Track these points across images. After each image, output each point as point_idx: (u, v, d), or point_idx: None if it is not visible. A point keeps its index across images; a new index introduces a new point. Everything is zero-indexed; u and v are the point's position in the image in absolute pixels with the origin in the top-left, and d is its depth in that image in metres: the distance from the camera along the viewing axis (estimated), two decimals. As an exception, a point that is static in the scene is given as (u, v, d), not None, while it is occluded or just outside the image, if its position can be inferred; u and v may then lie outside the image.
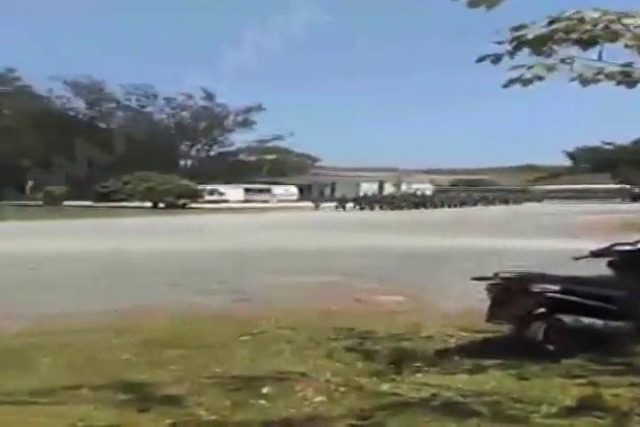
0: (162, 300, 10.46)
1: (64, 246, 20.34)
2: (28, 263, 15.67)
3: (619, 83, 5.57)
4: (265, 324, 8.27)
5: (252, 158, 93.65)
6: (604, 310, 6.45)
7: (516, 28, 5.05)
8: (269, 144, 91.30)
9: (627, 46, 5.02)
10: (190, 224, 36.60)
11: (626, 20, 5.01)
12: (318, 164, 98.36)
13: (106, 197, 62.74)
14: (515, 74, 5.38)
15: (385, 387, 5.64)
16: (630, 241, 7.34)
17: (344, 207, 62.38)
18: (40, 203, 61.31)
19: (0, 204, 55.00)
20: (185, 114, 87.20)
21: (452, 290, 10.79)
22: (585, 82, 5.64)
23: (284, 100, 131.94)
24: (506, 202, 76.87)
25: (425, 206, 64.57)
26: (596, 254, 7.35)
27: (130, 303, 10.00)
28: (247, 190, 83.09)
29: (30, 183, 74.82)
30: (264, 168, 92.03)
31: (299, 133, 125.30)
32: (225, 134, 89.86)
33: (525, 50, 5.36)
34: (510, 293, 6.52)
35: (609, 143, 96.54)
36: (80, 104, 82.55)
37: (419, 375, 5.97)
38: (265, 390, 5.57)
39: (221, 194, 77.28)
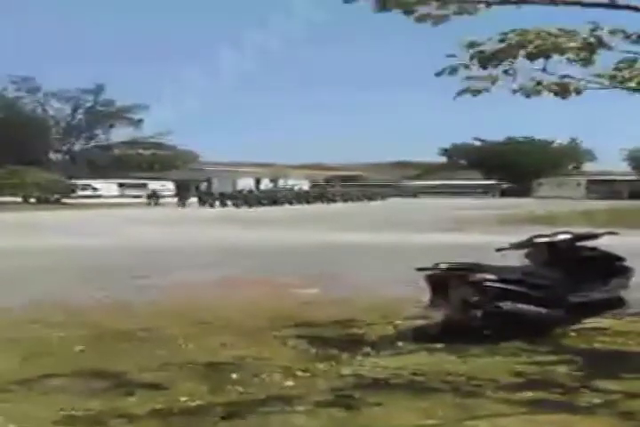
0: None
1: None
2: None
3: (555, 94, 6.19)
4: (204, 316, 8.53)
5: (131, 153, 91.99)
6: (535, 298, 7.08)
7: (471, 45, 5.54)
8: (150, 140, 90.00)
9: (569, 60, 5.63)
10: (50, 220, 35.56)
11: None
12: (200, 160, 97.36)
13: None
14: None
15: (346, 370, 6.04)
16: (548, 233, 8.05)
17: (183, 204, 58.02)
18: None
19: None
20: (66, 108, 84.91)
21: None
22: (527, 93, 6.26)
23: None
24: (369, 198, 75.42)
25: (281, 203, 62.12)
26: (516, 246, 8.01)
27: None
28: (121, 185, 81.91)
29: None
30: (141, 164, 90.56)
31: (183, 130, 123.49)
32: (106, 130, 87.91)
33: (474, 62, 5.90)
34: (450, 282, 7.06)
35: (482, 140, 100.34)
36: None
37: (372, 359, 6.40)
38: (235, 376, 5.87)
39: (95, 189, 76.00)
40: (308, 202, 66.62)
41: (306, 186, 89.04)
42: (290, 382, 5.73)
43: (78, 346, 7.02)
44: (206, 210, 52.36)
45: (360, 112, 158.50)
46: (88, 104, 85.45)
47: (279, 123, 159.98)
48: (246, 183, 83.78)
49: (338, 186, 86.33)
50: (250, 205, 56.82)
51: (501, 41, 5.53)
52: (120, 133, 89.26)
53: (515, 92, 6.13)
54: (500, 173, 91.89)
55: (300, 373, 5.98)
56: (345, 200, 70.70)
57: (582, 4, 4.25)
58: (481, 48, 5.62)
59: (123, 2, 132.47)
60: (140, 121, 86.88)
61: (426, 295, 7.44)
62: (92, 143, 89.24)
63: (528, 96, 6.08)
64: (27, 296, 9.95)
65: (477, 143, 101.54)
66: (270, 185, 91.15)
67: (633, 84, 6.42)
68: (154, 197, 62.72)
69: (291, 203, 63.68)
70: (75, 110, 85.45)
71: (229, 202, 58.55)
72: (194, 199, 60.65)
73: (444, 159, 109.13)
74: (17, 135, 73.82)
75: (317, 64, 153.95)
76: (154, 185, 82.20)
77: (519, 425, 4.65)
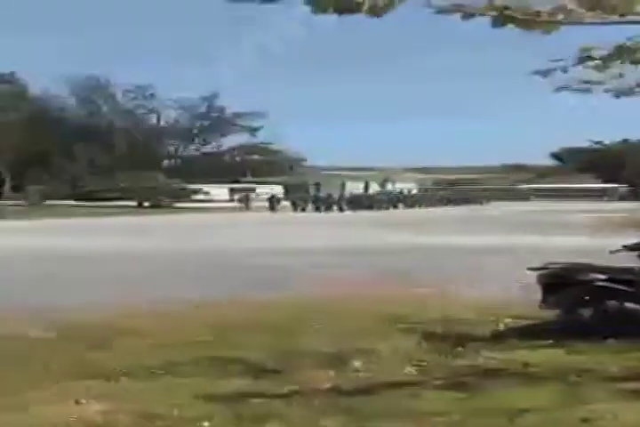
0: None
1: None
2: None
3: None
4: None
5: (238, 159, 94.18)
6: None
7: (584, 49, 5.89)
8: (258, 145, 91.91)
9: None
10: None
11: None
12: (305, 164, 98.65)
13: (90, 195, 63.09)
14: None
15: (460, 362, 6.48)
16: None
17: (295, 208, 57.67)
18: (21, 202, 60.34)
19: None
20: (181, 115, 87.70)
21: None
22: (621, 94, 6.60)
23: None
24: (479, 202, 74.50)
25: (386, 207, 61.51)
26: (629, 248, 8.22)
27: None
28: (232, 190, 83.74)
29: (9, 181, 74.26)
30: (249, 168, 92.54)
31: (289, 133, 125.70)
32: (219, 137, 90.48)
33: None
34: (561, 281, 7.38)
35: (598, 142, 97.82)
36: (74, 103, 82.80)
37: (484, 353, 6.80)
38: (357, 364, 6.39)
39: (206, 193, 77.99)
40: (415, 206, 66.49)
41: (415, 190, 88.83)
42: (409, 369, 6.22)
43: (205, 337, 7.70)
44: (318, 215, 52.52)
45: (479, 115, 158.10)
46: (201, 111, 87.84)
47: (390, 126, 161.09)
48: (354, 187, 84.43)
49: (449, 190, 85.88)
50: (354, 209, 57.23)
51: (620, 46, 5.85)
52: (234, 139, 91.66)
53: (607, 91, 6.50)
54: (616, 175, 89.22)
55: (415, 362, 6.45)
56: (453, 204, 70.31)
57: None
58: (591, 53, 5.96)
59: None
60: (257, 129, 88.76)
61: (537, 295, 7.78)
62: (205, 149, 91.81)
63: (618, 97, 6.48)
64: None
65: (593, 146, 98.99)
66: (378, 189, 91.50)
67: None
68: (273, 201, 59.72)
69: (397, 207, 63.51)
70: (191, 118, 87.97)
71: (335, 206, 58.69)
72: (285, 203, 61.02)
73: (558, 163, 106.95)
74: (134, 142, 76.84)
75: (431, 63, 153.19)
76: (263, 189, 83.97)
77: (622, 411, 4.97)
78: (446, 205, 69.22)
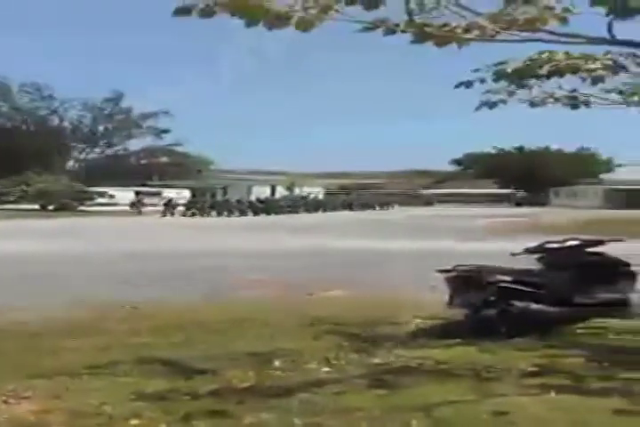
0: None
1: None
2: None
3: (564, 105, 6.99)
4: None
5: (144, 161, 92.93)
6: (545, 298, 7.78)
7: (499, 63, 6.28)
8: (165, 147, 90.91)
9: (582, 78, 6.37)
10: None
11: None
12: (214, 167, 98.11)
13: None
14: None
15: (376, 360, 6.76)
16: (558, 240, 8.74)
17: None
18: None
19: None
20: (84, 116, 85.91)
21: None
22: (535, 104, 7.05)
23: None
24: (386, 205, 75.71)
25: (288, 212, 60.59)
26: (530, 251, 8.70)
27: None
28: (137, 193, 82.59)
29: None
30: (156, 171, 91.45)
31: (196, 137, 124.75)
32: (123, 139, 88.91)
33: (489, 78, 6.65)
34: (468, 283, 7.76)
35: (500, 149, 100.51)
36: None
37: (398, 351, 7.10)
38: (277, 364, 6.59)
39: (112, 197, 76.71)
40: (319, 210, 66.91)
41: (321, 194, 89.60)
42: (325, 369, 6.45)
43: (143, 338, 7.78)
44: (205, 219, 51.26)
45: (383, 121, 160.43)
46: (106, 112, 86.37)
47: (299, 130, 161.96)
48: (261, 191, 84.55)
49: (354, 194, 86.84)
50: (256, 213, 57.15)
51: (531, 60, 6.23)
52: (138, 142, 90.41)
53: (522, 102, 6.97)
54: (514, 182, 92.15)
55: (333, 361, 6.69)
56: (360, 208, 71.06)
57: (586, 41, 4.92)
58: (504, 66, 6.35)
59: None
60: (166, 131, 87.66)
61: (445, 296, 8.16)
62: (109, 151, 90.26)
63: (533, 106, 6.96)
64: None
65: (492, 151, 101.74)
66: (285, 193, 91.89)
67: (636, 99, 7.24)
68: (169, 206, 58.25)
69: (298, 211, 63.24)
70: (93, 118, 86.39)
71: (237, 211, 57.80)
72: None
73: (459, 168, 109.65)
74: (33, 144, 74.91)
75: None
76: (169, 193, 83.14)
77: (531, 404, 5.33)
78: (351, 209, 70.00)
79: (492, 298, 7.71)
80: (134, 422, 4.97)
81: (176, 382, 6.01)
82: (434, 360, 6.64)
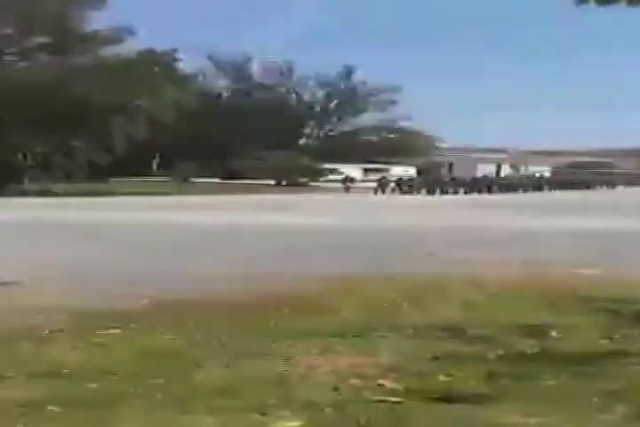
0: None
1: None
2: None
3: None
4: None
5: (373, 138, 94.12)
6: None
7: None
8: (394, 125, 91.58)
9: None
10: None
11: None
12: (441, 145, 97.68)
13: (232, 174, 65.88)
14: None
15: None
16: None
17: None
18: (168, 179, 63.69)
19: (132, 179, 58.29)
20: (319, 92, 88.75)
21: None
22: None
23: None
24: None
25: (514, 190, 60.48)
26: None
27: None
28: (366, 170, 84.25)
29: (157, 159, 78.26)
30: (384, 148, 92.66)
31: (423, 114, 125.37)
32: (355, 115, 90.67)
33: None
34: None
35: None
36: (223, 83, 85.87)
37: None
38: (554, 334, 7.07)
39: (341, 174, 79.06)
40: (544, 189, 65.26)
41: (547, 173, 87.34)
42: (604, 341, 6.84)
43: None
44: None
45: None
46: (340, 88, 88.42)
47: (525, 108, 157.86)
48: (486, 169, 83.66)
49: (582, 173, 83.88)
50: (479, 191, 56.76)
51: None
52: (369, 117, 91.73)
53: None
54: None
55: (608, 334, 7.06)
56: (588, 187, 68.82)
57: None
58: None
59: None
60: (394, 102, 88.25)
61: None
62: (340, 128, 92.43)
63: None
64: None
65: None
66: (510, 171, 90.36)
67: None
68: (382, 183, 58.10)
69: (526, 190, 62.51)
70: (328, 95, 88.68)
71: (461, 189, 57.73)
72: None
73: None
74: (270, 121, 78.60)
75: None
76: (396, 170, 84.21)
77: None
78: (587, 188, 67.94)
79: None
80: (443, 378, 5.52)
81: (461, 347, 6.61)
82: None
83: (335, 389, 5.23)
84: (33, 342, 6.45)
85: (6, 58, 50.53)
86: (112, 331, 6.94)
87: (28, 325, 7.17)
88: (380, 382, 5.41)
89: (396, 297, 9.09)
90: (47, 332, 6.86)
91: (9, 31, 48.81)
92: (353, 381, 5.41)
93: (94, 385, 5.18)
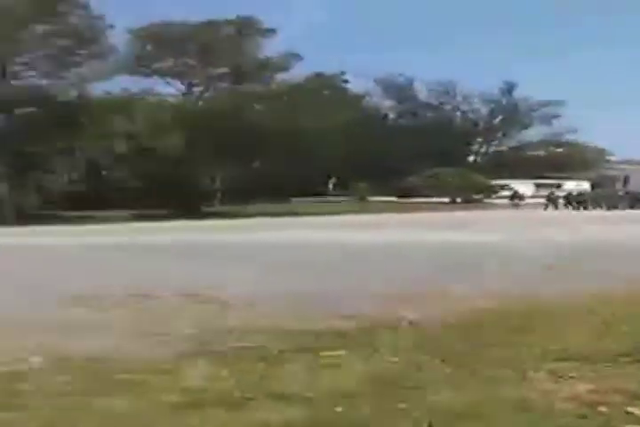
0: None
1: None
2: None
3: None
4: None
5: (540, 153, 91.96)
6: None
7: None
8: (559, 138, 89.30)
9: None
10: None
11: None
12: (611, 158, 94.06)
13: (407, 192, 66.16)
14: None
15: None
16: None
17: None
18: (344, 199, 65.25)
19: (311, 199, 59.98)
20: (482, 109, 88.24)
21: None
22: None
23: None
24: None
25: None
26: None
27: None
28: (538, 186, 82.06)
29: (333, 180, 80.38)
30: (552, 163, 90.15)
31: (591, 126, 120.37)
32: (520, 130, 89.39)
33: None
34: None
35: None
36: (388, 104, 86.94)
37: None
38: None
39: (511, 189, 77.47)
40: None
41: None
42: None
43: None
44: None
45: None
46: (502, 104, 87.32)
47: None
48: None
49: None
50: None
51: None
52: (535, 133, 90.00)
53: None
54: None
55: None
56: None
57: None
58: None
59: None
60: (557, 116, 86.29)
61: None
62: (506, 143, 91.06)
63: None
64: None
65: None
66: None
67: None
68: (552, 199, 59.15)
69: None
70: (491, 111, 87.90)
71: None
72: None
73: None
74: (437, 139, 78.50)
75: None
76: (569, 185, 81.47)
77: None
78: None
79: None
80: None
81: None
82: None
83: (583, 416, 5.05)
84: (263, 362, 6.61)
85: (195, 89, 53.29)
86: (337, 352, 7.02)
87: (256, 344, 7.38)
88: (629, 409, 5.18)
89: (608, 318, 8.72)
90: (276, 352, 7.02)
91: (192, 62, 51.38)
92: (600, 408, 5.20)
93: (339, 409, 5.23)
